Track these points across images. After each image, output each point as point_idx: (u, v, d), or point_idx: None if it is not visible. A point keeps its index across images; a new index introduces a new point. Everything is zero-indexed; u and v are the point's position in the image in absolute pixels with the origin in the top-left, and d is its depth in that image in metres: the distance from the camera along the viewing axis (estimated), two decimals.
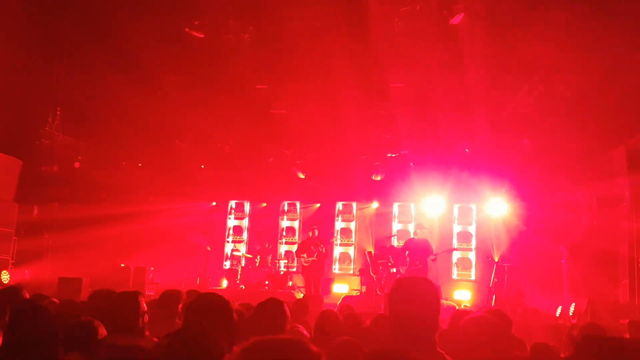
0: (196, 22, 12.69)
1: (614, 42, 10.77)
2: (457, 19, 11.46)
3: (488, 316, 3.65)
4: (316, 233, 14.03)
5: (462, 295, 14.40)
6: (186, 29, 12.72)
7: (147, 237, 15.08)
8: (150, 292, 12.32)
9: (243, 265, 15.07)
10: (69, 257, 13.36)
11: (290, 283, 14.40)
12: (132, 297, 3.96)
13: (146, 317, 4.02)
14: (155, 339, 3.98)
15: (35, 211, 14.44)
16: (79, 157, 14.51)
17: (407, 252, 12.80)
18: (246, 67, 13.65)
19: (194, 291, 7.18)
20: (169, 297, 5.25)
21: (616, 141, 11.86)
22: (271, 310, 4.04)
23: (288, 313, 4.12)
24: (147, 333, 4.08)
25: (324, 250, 13.74)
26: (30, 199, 14.04)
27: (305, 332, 4.77)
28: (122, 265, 13.65)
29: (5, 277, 12.73)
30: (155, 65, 13.52)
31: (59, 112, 13.91)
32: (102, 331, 3.93)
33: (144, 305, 3.97)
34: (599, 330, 5.09)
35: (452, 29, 11.74)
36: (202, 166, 16.02)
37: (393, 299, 2.82)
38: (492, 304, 12.18)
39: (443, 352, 2.79)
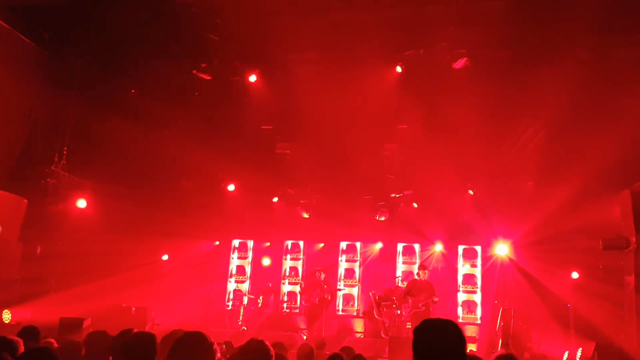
0: (203, 65, 12.92)
1: (617, 85, 10.92)
2: (460, 64, 11.66)
3: None
4: (322, 276, 13.94)
5: (468, 338, 14.20)
6: (194, 71, 12.95)
7: (149, 276, 14.99)
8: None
9: (245, 305, 14.93)
10: (71, 296, 13.25)
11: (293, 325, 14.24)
12: (149, 338, 3.95)
13: None
14: None
15: (39, 250, 14.40)
16: (84, 197, 14.56)
17: (410, 293, 12.69)
18: (252, 108, 13.84)
19: (178, 330, 7.12)
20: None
21: (621, 184, 11.86)
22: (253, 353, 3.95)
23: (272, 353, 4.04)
24: None
25: (329, 298, 13.66)
26: (34, 238, 14.03)
27: None
28: (124, 305, 13.52)
29: (7, 316, 12.63)
30: (162, 106, 13.72)
31: (65, 152, 14.04)
32: None
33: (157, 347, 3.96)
34: None
35: (456, 72, 11.93)
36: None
37: (418, 342, 2.76)
38: (499, 348, 12.00)
39: None
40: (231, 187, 16.07)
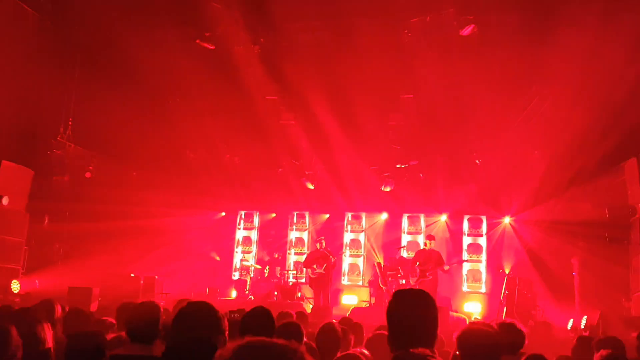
0: (207, 34, 12.78)
1: (624, 54, 10.76)
2: (467, 31, 11.48)
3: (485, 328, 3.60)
4: (323, 244, 13.97)
5: (473, 308, 14.29)
6: (197, 41, 12.81)
7: (156, 246, 15.10)
8: (160, 302, 12.29)
9: (252, 276, 15.06)
10: (79, 266, 13.38)
11: (299, 294, 14.35)
12: (153, 307, 3.95)
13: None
14: None
15: (46, 221, 14.50)
16: (90, 167, 14.59)
17: (417, 263, 12.74)
18: (256, 78, 13.72)
19: (184, 300, 7.17)
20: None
21: (628, 153, 11.79)
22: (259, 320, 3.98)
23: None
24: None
25: (333, 261, 13.68)
26: (41, 209, 14.11)
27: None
28: (132, 275, 13.65)
29: (16, 286, 12.78)
30: (165, 76, 13.63)
31: (70, 123, 14.03)
32: (110, 343, 3.94)
33: (162, 316, 3.96)
34: (619, 344, 5.01)
35: (463, 40, 11.76)
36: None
37: (390, 312, 2.84)
38: (503, 317, 12.07)
39: None
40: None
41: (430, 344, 2.74)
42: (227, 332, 3.23)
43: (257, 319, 3.95)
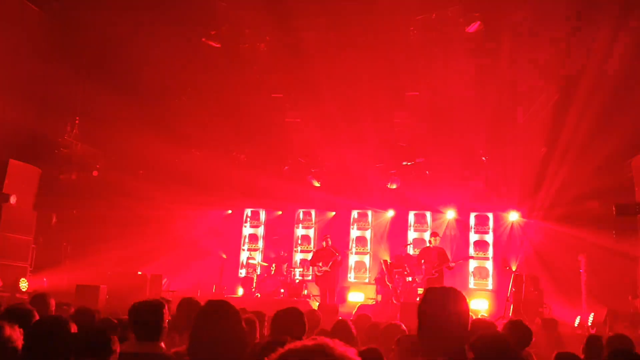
0: (213, 32, 12.80)
1: (631, 50, 10.71)
2: (473, 27, 11.45)
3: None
4: (330, 242, 13.98)
5: (479, 305, 14.27)
6: (203, 39, 12.84)
7: (163, 245, 15.15)
8: (167, 300, 12.33)
9: (258, 273, 15.08)
10: (87, 264, 13.46)
11: (305, 292, 14.36)
12: (156, 306, 3.97)
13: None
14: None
15: (54, 219, 14.58)
16: (97, 166, 14.66)
17: (422, 260, 12.73)
18: (262, 76, 13.74)
19: (188, 298, 7.20)
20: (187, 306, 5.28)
21: (635, 150, 11.73)
22: (290, 319, 4.03)
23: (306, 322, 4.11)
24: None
25: (339, 258, 13.68)
26: (48, 207, 14.19)
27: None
28: (139, 273, 13.71)
29: (24, 284, 12.84)
30: (172, 74, 13.66)
31: (77, 121, 14.08)
32: (116, 341, 3.96)
33: (168, 314, 3.98)
34: (628, 342, 5.00)
35: (469, 36, 11.73)
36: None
37: (424, 310, 2.76)
38: (510, 314, 12.05)
39: None
40: None
41: (463, 342, 2.69)
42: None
43: (289, 318, 4.00)
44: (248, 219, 17.21)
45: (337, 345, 1.49)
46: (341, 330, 5.15)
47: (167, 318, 3.96)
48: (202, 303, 5.35)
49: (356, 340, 4.96)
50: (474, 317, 10.59)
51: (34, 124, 13.22)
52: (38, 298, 5.79)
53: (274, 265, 14.82)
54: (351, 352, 1.50)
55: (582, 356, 5.50)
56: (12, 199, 12.67)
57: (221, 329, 3.18)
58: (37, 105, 13.27)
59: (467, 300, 2.82)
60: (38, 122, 13.35)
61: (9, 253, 12.79)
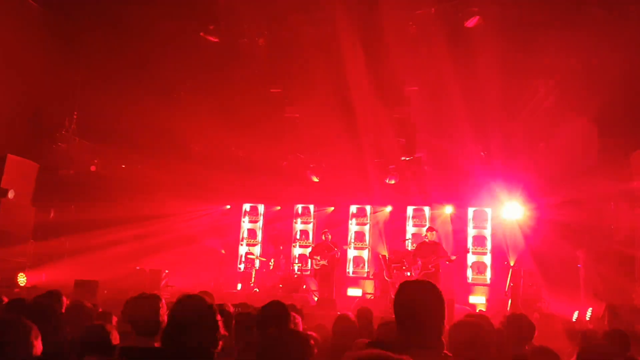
0: (211, 27, 12.76)
1: (630, 44, 10.69)
2: (472, 22, 11.43)
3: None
4: (329, 237, 14.02)
5: (477, 300, 14.30)
6: (201, 34, 12.80)
7: (162, 240, 15.15)
8: (165, 295, 12.35)
9: (257, 268, 15.10)
10: (85, 259, 13.46)
11: (304, 286, 14.38)
12: (153, 301, 3.98)
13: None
14: None
15: (52, 214, 14.57)
16: (95, 161, 14.63)
17: (419, 255, 12.74)
18: (260, 71, 13.70)
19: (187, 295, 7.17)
20: None
21: (635, 144, 11.72)
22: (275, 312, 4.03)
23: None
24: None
25: (338, 255, 13.72)
26: (47, 202, 14.17)
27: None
28: (138, 268, 13.71)
29: (22, 279, 12.85)
30: (170, 69, 13.62)
31: (75, 116, 14.05)
32: (115, 335, 3.97)
33: (165, 308, 4.00)
34: (624, 336, 5.00)
35: (468, 31, 11.70)
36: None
37: (397, 303, 2.86)
38: (508, 309, 12.07)
39: (450, 354, 2.82)
40: None
41: (438, 334, 2.76)
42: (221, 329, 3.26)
43: (274, 313, 4.00)
44: (247, 214, 17.21)
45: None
46: (344, 323, 5.16)
47: (164, 313, 3.97)
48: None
49: (359, 333, 4.97)
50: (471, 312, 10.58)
51: (32, 119, 13.19)
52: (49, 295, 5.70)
53: (272, 260, 14.84)
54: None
55: (577, 350, 5.51)
56: (11, 194, 12.66)
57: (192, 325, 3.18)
58: (35, 100, 13.23)
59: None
60: (36, 117, 13.32)
61: (7, 248, 12.78)
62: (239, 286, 15.42)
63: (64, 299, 5.53)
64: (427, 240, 12.94)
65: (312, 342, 3.05)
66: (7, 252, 12.78)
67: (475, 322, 3.59)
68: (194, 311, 3.21)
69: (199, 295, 3.44)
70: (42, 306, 4.36)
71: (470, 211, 15.35)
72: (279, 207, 17.09)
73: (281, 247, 15.47)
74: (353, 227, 16.32)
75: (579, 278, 12.26)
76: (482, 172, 14.33)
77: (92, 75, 13.42)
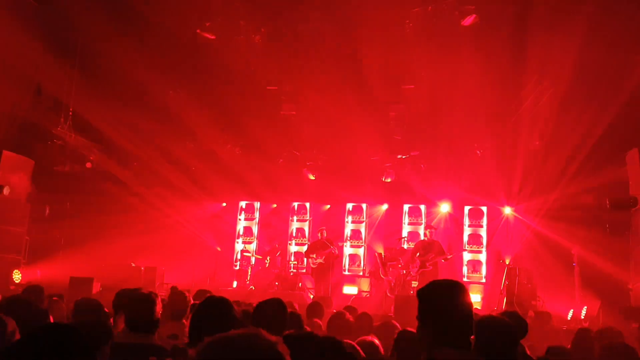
0: (208, 24, 12.74)
1: (626, 43, 10.72)
2: (468, 21, 11.44)
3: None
4: (325, 234, 14.03)
5: (473, 298, 14.28)
6: (198, 31, 12.77)
7: (157, 237, 15.13)
8: (161, 292, 12.33)
9: (253, 265, 15.09)
10: (80, 256, 13.42)
11: (300, 284, 14.39)
12: (149, 297, 3.99)
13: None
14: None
15: (47, 211, 14.52)
16: (91, 158, 14.59)
17: (417, 253, 12.76)
18: (257, 68, 13.68)
19: (204, 291, 7.19)
20: (178, 298, 5.29)
21: (630, 143, 11.75)
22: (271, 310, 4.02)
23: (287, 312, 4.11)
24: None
25: (336, 252, 13.73)
26: (42, 199, 14.13)
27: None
28: (133, 264, 13.69)
29: (17, 276, 12.82)
30: (166, 66, 13.58)
31: (71, 113, 14.01)
32: (115, 331, 3.97)
33: (160, 305, 4.01)
34: (619, 335, 5.02)
35: (464, 30, 11.71)
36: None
37: (428, 302, 2.78)
38: (503, 307, 12.09)
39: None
40: None
41: (469, 334, 2.72)
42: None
43: (270, 310, 3.99)
44: (242, 212, 17.19)
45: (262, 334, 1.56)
46: (339, 320, 5.16)
47: (158, 309, 3.98)
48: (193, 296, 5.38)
49: (355, 331, 4.98)
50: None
51: (27, 115, 13.14)
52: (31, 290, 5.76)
53: (268, 258, 14.83)
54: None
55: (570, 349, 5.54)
56: (6, 191, 12.62)
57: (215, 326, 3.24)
58: (30, 96, 13.18)
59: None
60: (31, 114, 13.27)
61: (2, 245, 12.78)
62: (235, 284, 15.41)
63: (44, 295, 5.62)
64: (426, 238, 13.00)
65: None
66: (2, 249, 12.76)
67: (502, 320, 3.58)
68: (221, 313, 3.34)
69: (223, 297, 3.54)
70: (22, 302, 4.34)
71: (466, 210, 15.37)
72: (275, 205, 17.08)
73: (277, 245, 15.46)
74: (349, 225, 16.32)
75: (574, 277, 12.29)
76: (478, 170, 14.35)
77: (87, 72, 13.38)
